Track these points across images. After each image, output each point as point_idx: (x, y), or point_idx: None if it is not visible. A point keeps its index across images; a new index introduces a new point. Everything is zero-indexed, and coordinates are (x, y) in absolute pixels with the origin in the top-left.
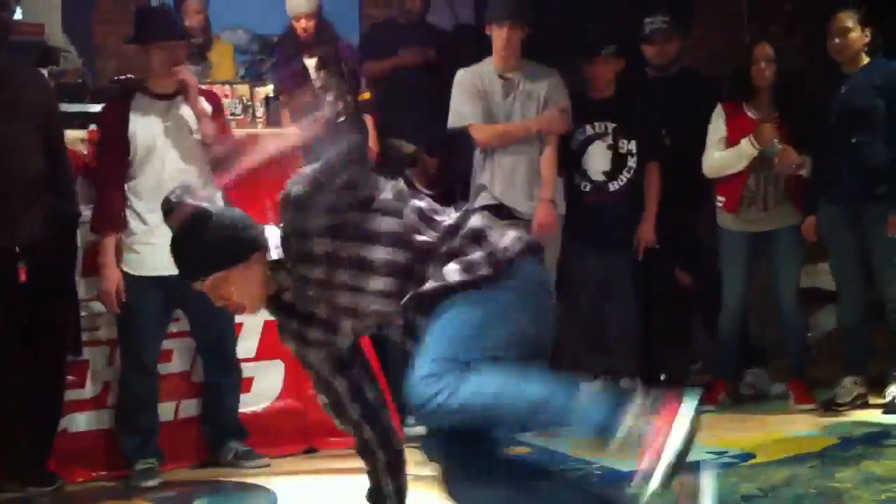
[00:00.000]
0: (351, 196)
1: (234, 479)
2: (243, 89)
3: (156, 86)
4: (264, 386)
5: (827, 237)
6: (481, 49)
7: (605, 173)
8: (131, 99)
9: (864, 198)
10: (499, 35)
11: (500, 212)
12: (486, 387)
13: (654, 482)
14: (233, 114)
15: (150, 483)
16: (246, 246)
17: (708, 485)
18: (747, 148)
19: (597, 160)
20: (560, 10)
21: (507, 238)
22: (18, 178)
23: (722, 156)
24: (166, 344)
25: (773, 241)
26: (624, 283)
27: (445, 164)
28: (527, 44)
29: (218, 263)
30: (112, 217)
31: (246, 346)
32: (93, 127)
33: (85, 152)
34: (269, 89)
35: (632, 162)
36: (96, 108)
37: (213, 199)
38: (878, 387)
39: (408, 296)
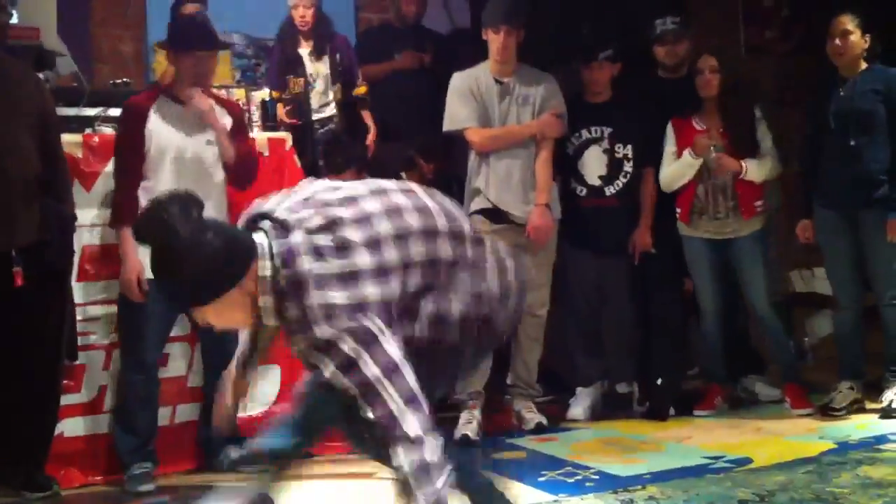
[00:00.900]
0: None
1: (230, 485)
2: (239, 93)
3: (180, 91)
4: (261, 391)
5: (822, 241)
6: (477, 53)
7: (601, 178)
8: (154, 100)
9: (862, 202)
10: (495, 39)
11: (496, 216)
12: None
13: None
14: None
15: (146, 488)
16: (224, 281)
17: None
18: (687, 159)
19: (593, 165)
20: (556, 15)
21: None
22: (15, 181)
23: (670, 169)
24: (164, 348)
25: (733, 251)
26: (620, 288)
27: (441, 168)
28: (523, 48)
29: (195, 298)
30: (130, 210)
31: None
32: (88, 131)
33: (80, 156)
34: (264, 93)
35: (628, 166)
36: (92, 111)
37: (193, 215)
38: (875, 391)
39: None
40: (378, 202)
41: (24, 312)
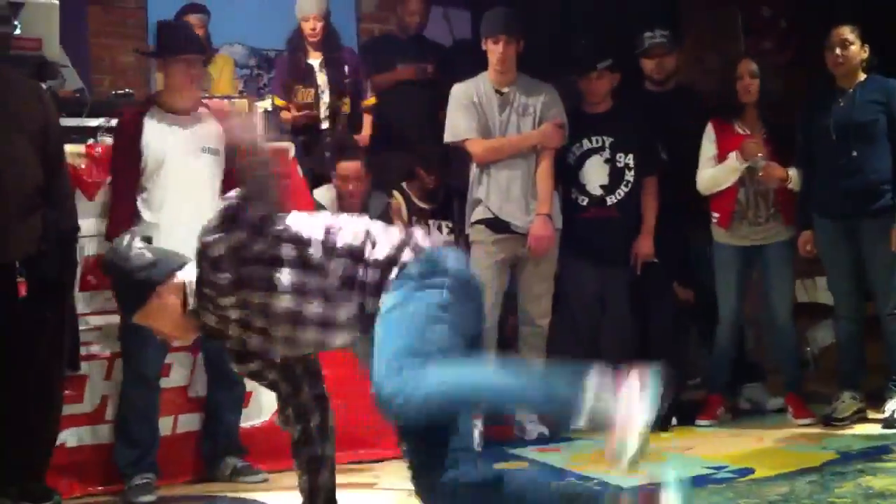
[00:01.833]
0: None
1: (231, 495)
2: (242, 104)
3: (172, 101)
4: (263, 401)
5: (823, 252)
6: (477, 64)
7: (602, 187)
8: (147, 111)
9: (862, 212)
10: (494, 50)
11: (497, 226)
12: (446, 375)
13: (628, 456)
14: None
15: (147, 498)
16: (141, 288)
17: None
18: (733, 164)
19: (594, 174)
20: (556, 25)
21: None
22: (16, 192)
23: (712, 172)
24: (166, 358)
25: (764, 256)
26: (620, 299)
27: (442, 179)
28: (523, 58)
29: (123, 306)
30: (125, 224)
31: None
32: (91, 141)
33: (83, 166)
34: (267, 104)
35: (629, 176)
36: (94, 122)
37: (127, 242)
38: (876, 402)
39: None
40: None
41: (25, 323)
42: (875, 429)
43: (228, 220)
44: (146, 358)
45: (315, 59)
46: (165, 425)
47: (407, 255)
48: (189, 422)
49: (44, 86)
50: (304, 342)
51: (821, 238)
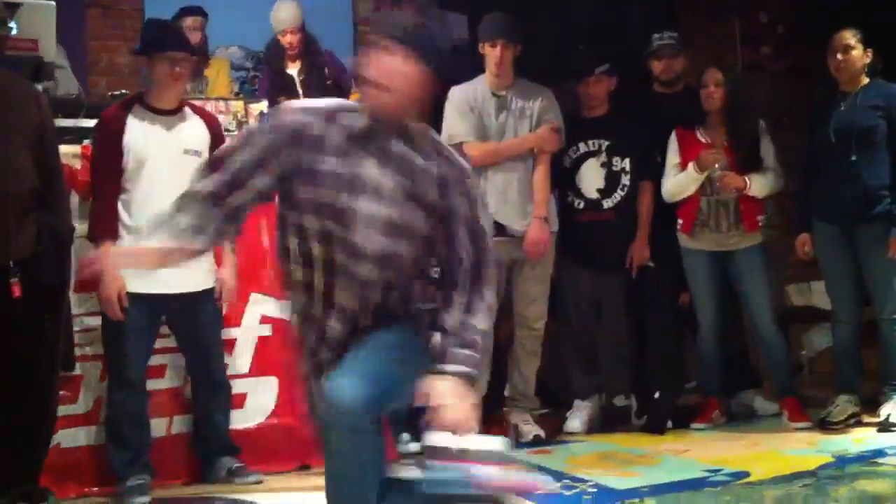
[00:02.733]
0: None
1: (226, 496)
2: (238, 105)
3: (156, 100)
4: (258, 402)
5: (821, 256)
6: (475, 67)
7: (598, 191)
8: (129, 110)
9: (862, 217)
10: (492, 53)
11: (493, 229)
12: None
13: None
14: (227, 130)
15: (141, 500)
16: None
17: None
18: (692, 173)
19: (590, 178)
20: (553, 29)
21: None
22: (12, 195)
23: (673, 181)
24: (158, 359)
25: (734, 264)
26: (616, 303)
27: None
28: (520, 62)
29: None
30: (108, 225)
31: (239, 362)
32: (87, 142)
33: (79, 167)
34: (263, 105)
35: (625, 180)
36: (90, 123)
37: None
38: (872, 406)
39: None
40: None
41: (20, 324)
42: (871, 432)
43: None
44: (128, 362)
45: (294, 69)
46: (160, 427)
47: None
48: (183, 423)
49: (39, 87)
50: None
51: (820, 242)
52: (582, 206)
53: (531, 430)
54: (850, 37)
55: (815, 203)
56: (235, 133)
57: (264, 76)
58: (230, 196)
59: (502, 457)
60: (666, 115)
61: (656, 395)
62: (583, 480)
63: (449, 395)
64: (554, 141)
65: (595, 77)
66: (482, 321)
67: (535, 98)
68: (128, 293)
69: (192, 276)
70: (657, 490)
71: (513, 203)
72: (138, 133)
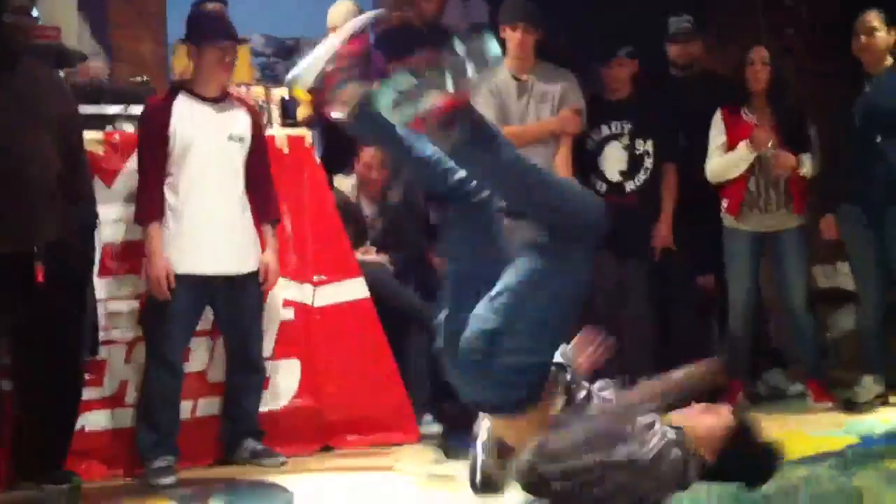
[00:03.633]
0: None
1: (250, 478)
2: (259, 91)
3: (202, 88)
4: (281, 385)
5: (848, 238)
6: None
7: (621, 173)
8: (175, 97)
9: (886, 200)
10: (512, 37)
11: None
12: None
13: None
14: None
15: (167, 480)
16: None
17: None
18: (744, 152)
19: (613, 160)
20: (575, 12)
21: None
22: (38, 182)
23: (721, 160)
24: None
25: (777, 244)
26: (640, 286)
27: None
28: (542, 46)
29: None
30: (154, 207)
31: (262, 345)
32: (109, 128)
33: (102, 153)
34: (284, 91)
35: (648, 162)
36: (114, 109)
37: None
38: None
39: None
40: None
41: (45, 309)
42: None
43: None
44: (171, 343)
45: None
46: (185, 409)
47: None
48: (208, 406)
49: (62, 73)
50: None
51: (845, 224)
52: (604, 189)
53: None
54: (874, 18)
55: (841, 185)
56: None
57: None
58: None
59: None
60: (682, 98)
61: None
62: None
63: None
64: (575, 123)
65: (617, 60)
66: None
67: (557, 81)
68: (176, 275)
69: (238, 258)
70: None
71: None
72: (185, 119)
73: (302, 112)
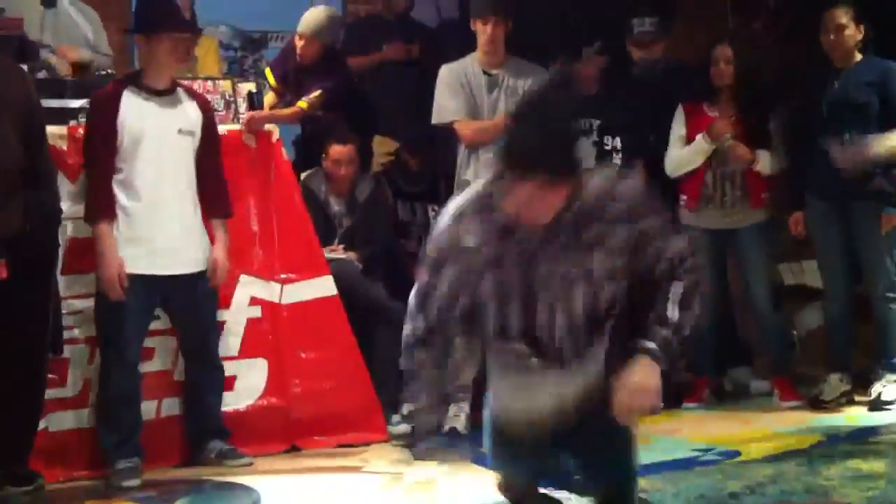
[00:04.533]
0: None
1: (216, 478)
2: (226, 85)
3: (152, 80)
4: (247, 384)
5: (814, 232)
6: (465, 45)
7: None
8: (123, 91)
9: (854, 194)
10: (483, 30)
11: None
12: None
13: None
14: (215, 109)
15: (132, 482)
16: None
17: None
18: (701, 144)
19: (582, 156)
20: (543, 8)
21: None
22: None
23: (679, 153)
24: (148, 342)
25: (738, 241)
26: None
27: (429, 160)
28: (511, 41)
29: None
30: (103, 205)
31: (229, 343)
32: (72, 123)
33: (65, 148)
34: (251, 85)
35: (617, 159)
36: (76, 103)
37: None
38: (864, 383)
39: None
40: None
41: (8, 305)
42: (862, 411)
43: None
44: (126, 342)
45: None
46: (149, 409)
47: None
48: (173, 406)
49: (24, 67)
50: None
51: (812, 218)
52: None
53: None
54: (842, 15)
55: (809, 180)
56: (222, 112)
57: (277, 61)
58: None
59: None
60: (646, 97)
61: None
62: None
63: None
64: None
65: (585, 57)
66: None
67: (527, 76)
68: (129, 274)
69: (189, 257)
70: (648, 470)
71: None
72: (134, 112)
73: (269, 99)
